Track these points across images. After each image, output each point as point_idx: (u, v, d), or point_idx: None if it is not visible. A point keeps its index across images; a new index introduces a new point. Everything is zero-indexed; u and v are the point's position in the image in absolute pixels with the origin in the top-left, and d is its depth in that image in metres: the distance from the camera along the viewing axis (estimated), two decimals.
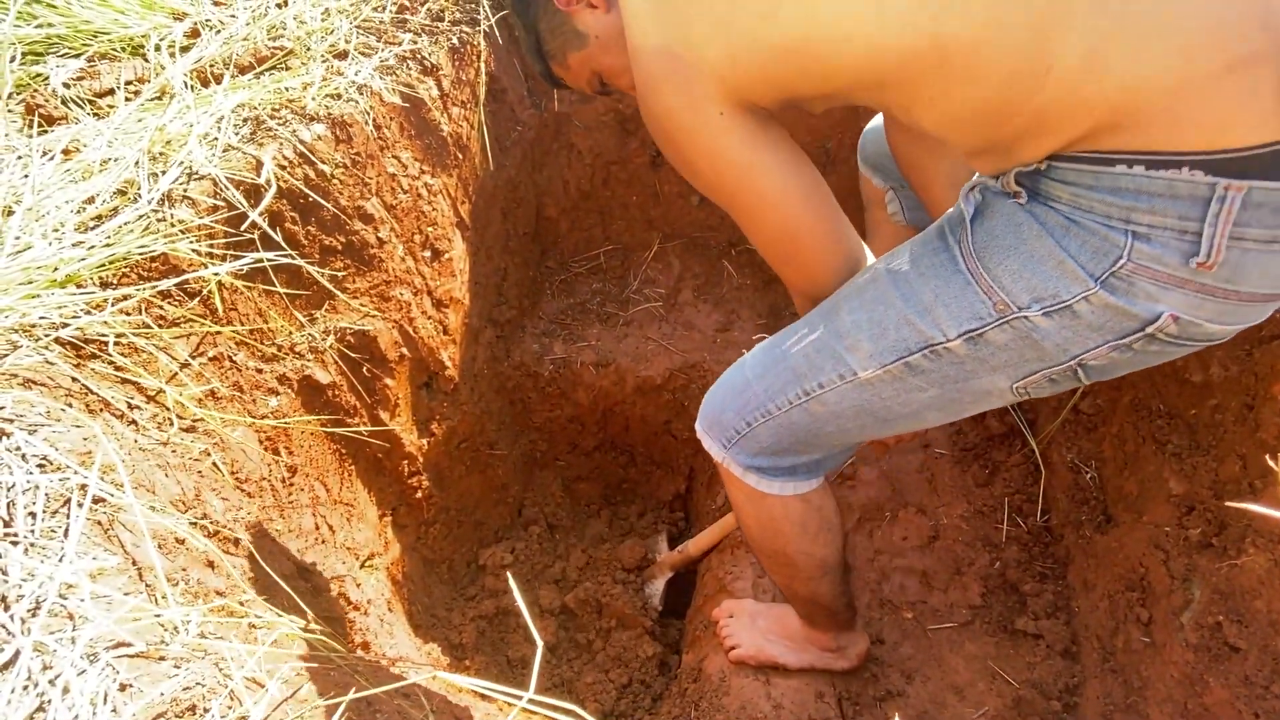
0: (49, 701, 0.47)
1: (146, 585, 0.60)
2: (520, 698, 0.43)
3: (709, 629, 1.32)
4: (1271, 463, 0.80)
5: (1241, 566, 0.88)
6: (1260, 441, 0.88)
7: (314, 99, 1.17)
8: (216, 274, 0.95)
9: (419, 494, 1.44)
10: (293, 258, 1.07)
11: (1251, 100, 0.56)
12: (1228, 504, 0.87)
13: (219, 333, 0.99)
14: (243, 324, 1.03)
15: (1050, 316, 0.66)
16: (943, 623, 1.29)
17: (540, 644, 0.48)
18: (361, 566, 1.24)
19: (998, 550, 1.36)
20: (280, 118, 1.13)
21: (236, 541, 0.83)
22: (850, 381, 0.79)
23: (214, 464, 0.91)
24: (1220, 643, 0.89)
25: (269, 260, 1.00)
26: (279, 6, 1.35)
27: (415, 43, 1.37)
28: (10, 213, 0.94)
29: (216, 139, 1.05)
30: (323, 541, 1.13)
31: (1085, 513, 1.27)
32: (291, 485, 1.09)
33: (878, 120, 1.17)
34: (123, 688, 0.50)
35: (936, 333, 0.72)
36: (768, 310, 1.81)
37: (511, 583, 0.76)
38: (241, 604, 0.68)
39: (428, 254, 1.41)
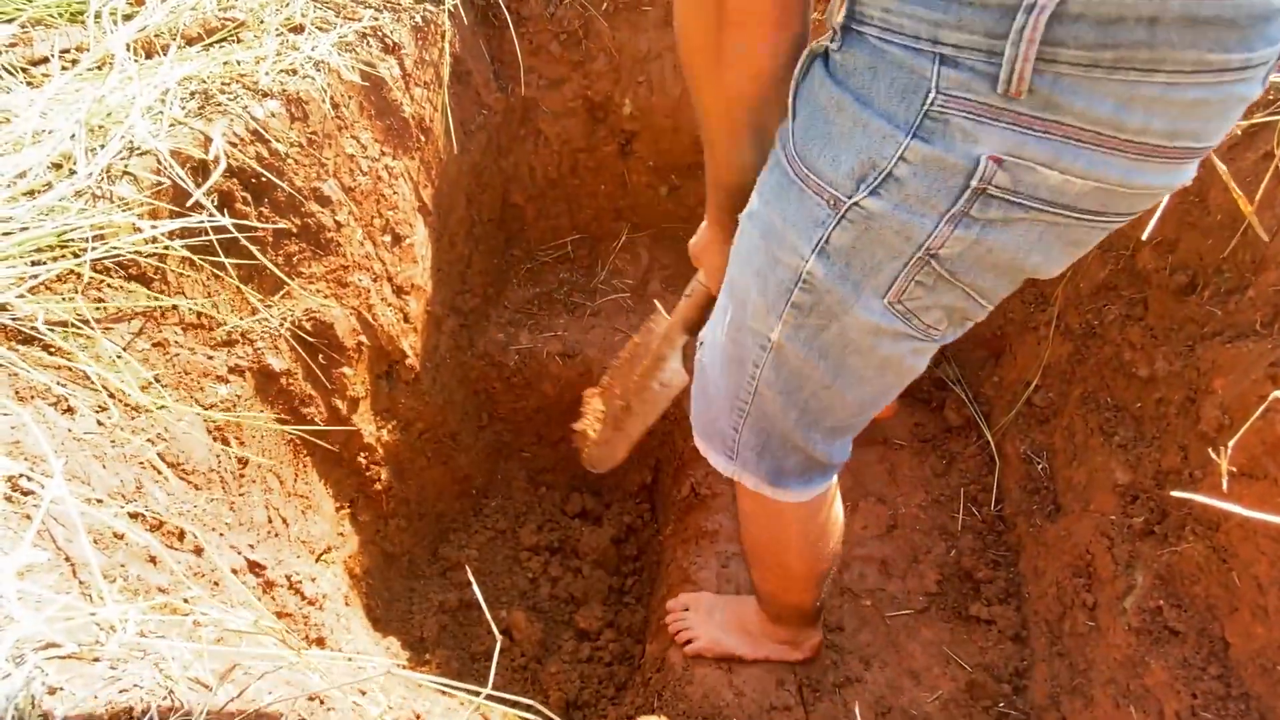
0: None
1: (80, 582, 0.57)
2: (479, 694, 0.42)
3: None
4: (1212, 453, 0.84)
5: (1181, 553, 0.92)
6: (1201, 434, 0.92)
7: (267, 74, 1.12)
8: (166, 243, 0.90)
9: (378, 486, 1.40)
10: (237, 236, 1.03)
11: None
12: (1172, 493, 0.90)
13: (163, 316, 0.95)
14: (190, 308, 0.98)
15: (877, 194, 0.57)
16: (900, 609, 1.32)
17: (499, 638, 0.46)
18: (317, 560, 1.21)
19: (953, 539, 1.40)
20: (231, 92, 1.08)
21: (181, 535, 0.79)
22: (769, 348, 0.72)
23: (158, 455, 0.87)
24: (1160, 626, 0.93)
25: (212, 227, 0.95)
26: None
27: (376, 19, 1.32)
28: None
29: (161, 113, 1.00)
30: (276, 535, 1.10)
31: (1036, 502, 1.31)
32: (242, 477, 1.05)
33: None
34: (52, 691, 0.47)
35: (796, 258, 0.64)
36: None
37: (470, 576, 0.74)
38: (186, 601, 0.65)
39: (388, 239, 1.37)
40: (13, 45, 1.14)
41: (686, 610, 1.27)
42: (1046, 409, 1.35)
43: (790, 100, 0.62)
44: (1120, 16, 0.45)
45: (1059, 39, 0.46)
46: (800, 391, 0.75)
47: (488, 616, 0.45)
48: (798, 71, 0.62)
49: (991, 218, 0.55)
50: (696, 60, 0.64)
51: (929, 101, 0.52)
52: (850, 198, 0.58)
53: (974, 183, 0.53)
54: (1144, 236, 1.08)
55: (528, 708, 0.41)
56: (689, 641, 1.23)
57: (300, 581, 1.06)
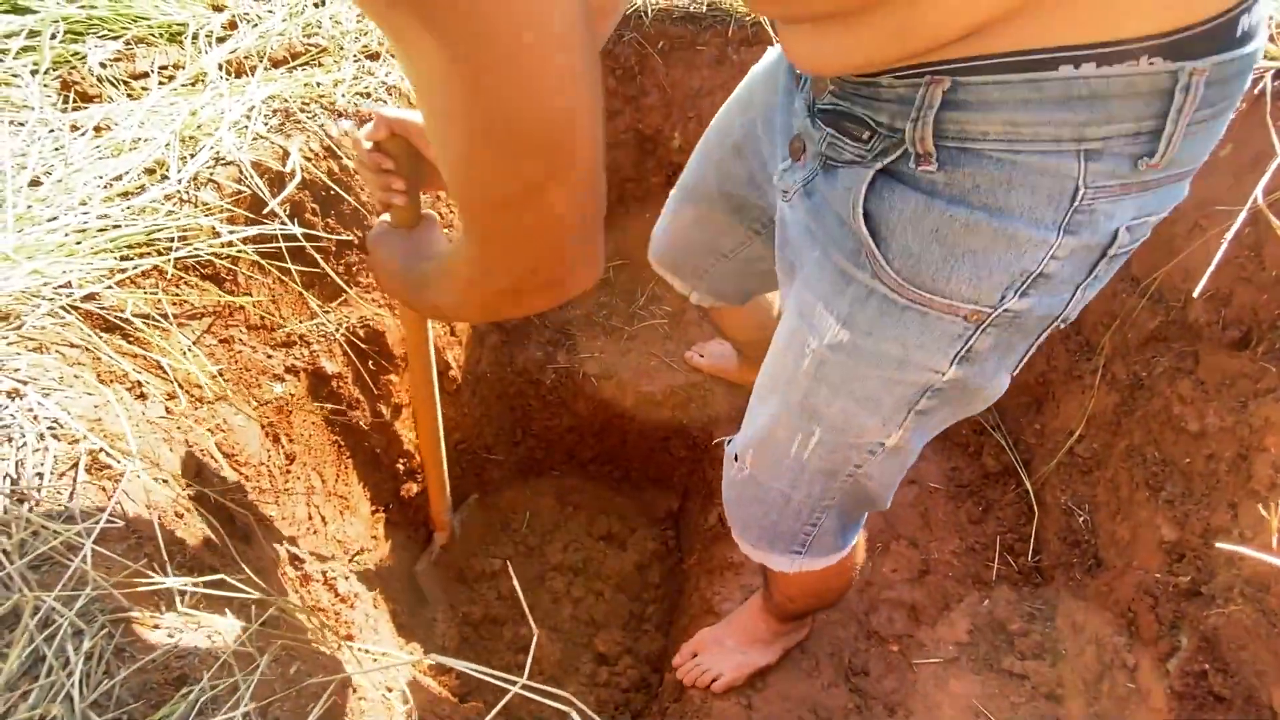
0: (43, 658, 0.47)
1: (146, 555, 0.60)
2: (514, 683, 0.43)
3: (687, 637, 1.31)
4: (1262, 510, 0.81)
5: (1229, 616, 0.88)
6: (1252, 491, 0.89)
7: (344, 95, 1.19)
8: (240, 247, 0.96)
9: (413, 493, 1.43)
10: (304, 244, 1.09)
11: None
12: (1217, 544, 0.88)
13: (230, 315, 1.00)
14: (256, 308, 1.04)
15: (1026, 295, 0.57)
16: (929, 658, 1.28)
17: (536, 632, 0.48)
18: (350, 561, 1.24)
19: (987, 588, 1.36)
20: (310, 111, 1.15)
21: (233, 520, 0.83)
22: (881, 453, 0.73)
23: (216, 444, 0.92)
24: (1205, 692, 0.89)
25: (282, 234, 1.01)
26: (316, 5, 1.39)
27: None
28: (38, 183, 0.96)
29: (246, 127, 1.07)
30: (314, 532, 1.13)
31: (1076, 555, 1.27)
32: (289, 473, 1.09)
33: (664, 221, 1.11)
34: (117, 651, 0.50)
35: (928, 374, 0.64)
36: None
37: (510, 568, 0.76)
38: (236, 582, 0.68)
39: None
40: (117, 60, 1.25)
41: (695, 655, 1.25)
42: (1090, 460, 1.32)
43: (859, 227, 0.57)
44: (1238, 71, 0.49)
45: (1200, 104, 0.49)
46: (903, 464, 0.78)
47: (523, 606, 0.46)
48: (854, 197, 0.57)
49: (1108, 271, 0.58)
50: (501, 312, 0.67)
51: (1079, 198, 0.52)
52: (996, 307, 0.57)
53: (1110, 252, 0.55)
54: (1195, 292, 1.07)
55: (562, 699, 0.42)
56: (714, 681, 1.21)
57: (335, 579, 1.09)
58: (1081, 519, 1.29)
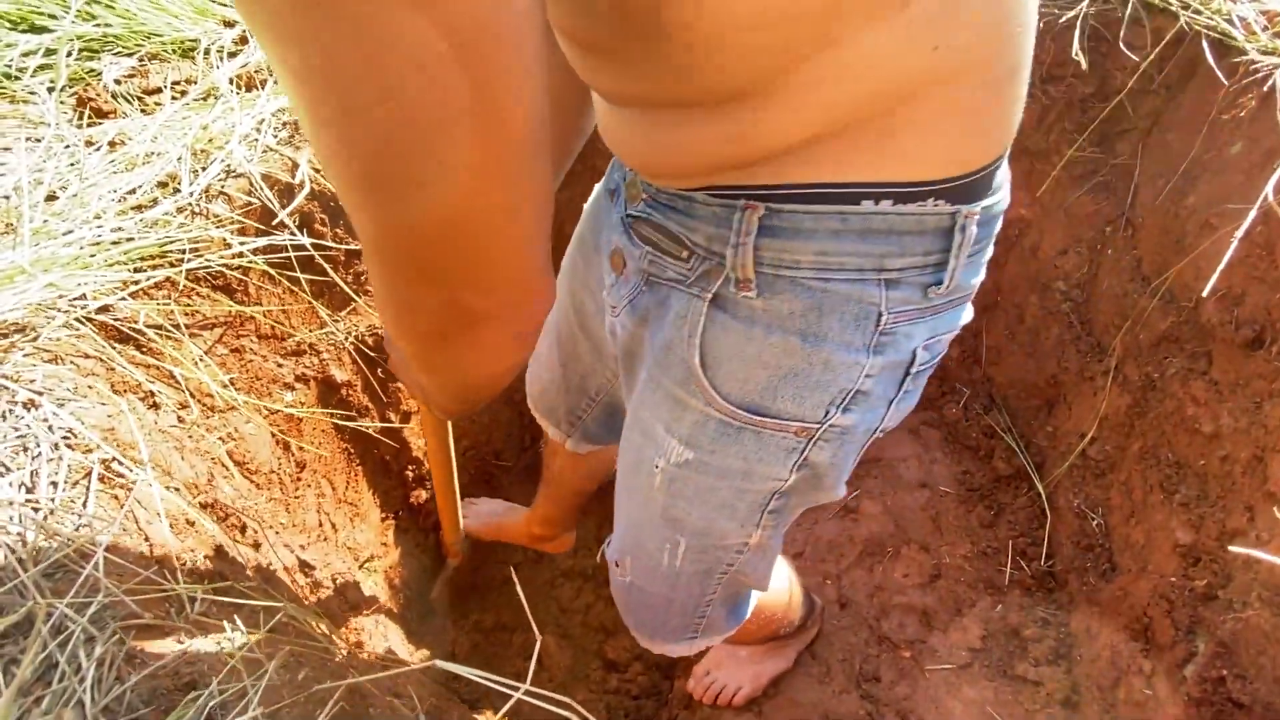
0: (56, 663, 0.48)
1: (157, 561, 0.61)
2: (517, 689, 0.44)
3: (699, 656, 1.30)
4: (1278, 513, 0.80)
5: (1246, 621, 0.87)
6: (1269, 493, 0.88)
7: None
8: (250, 258, 0.98)
9: (423, 500, 1.44)
10: (313, 254, 1.10)
11: (980, 116, 0.48)
12: (1232, 548, 0.86)
13: (241, 325, 1.02)
14: (266, 318, 1.05)
15: (850, 410, 0.60)
16: (941, 664, 1.27)
17: (539, 637, 0.48)
18: (360, 567, 1.25)
19: (1000, 593, 1.34)
20: None
21: (243, 529, 0.84)
22: (747, 551, 0.76)
23: (227, 453, 0.93)
24: (1224, 698, 0.87)
25: (292, 245, 1.03)
26: None
27: None
28: (54, 198, 0.98)
29: (257, 140, 1.09)
30: (325, 539, 1.14)
31: (1090, 560, 1.25)
32: (299, 481, 1.11)
33: (534, 366, 1.05)
34: (128, 656, 0.51)
35: (772, 482, 0.66)
36: None
37: (515, 575, 0.77)
38: (245, 589, 0.69)
39: None
40: (131, 76, 1.27)
41: (709, 673, 1.24)
42: (1103, 462, 1.30)
43: (692, 360, 0.59)
44: (995, 215, 0.56)
45: (973, 241, 0.55)
46: (772, 561, 0.80)
47: (527, 613, 0.46)
48: (689, 330, 0.58)
49: (915, 385, 0.63)
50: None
51: (882, 322, 0.56)
52: (822, 422, 0.61)
53: (911, 369, 0.60)
54: (1206, 292, 1.06)
55: (565, 706, 0.42)
56: (735, 693, 1.20)
57: (344, 586, 1.10)
58: (1095, 522, 1.27)
